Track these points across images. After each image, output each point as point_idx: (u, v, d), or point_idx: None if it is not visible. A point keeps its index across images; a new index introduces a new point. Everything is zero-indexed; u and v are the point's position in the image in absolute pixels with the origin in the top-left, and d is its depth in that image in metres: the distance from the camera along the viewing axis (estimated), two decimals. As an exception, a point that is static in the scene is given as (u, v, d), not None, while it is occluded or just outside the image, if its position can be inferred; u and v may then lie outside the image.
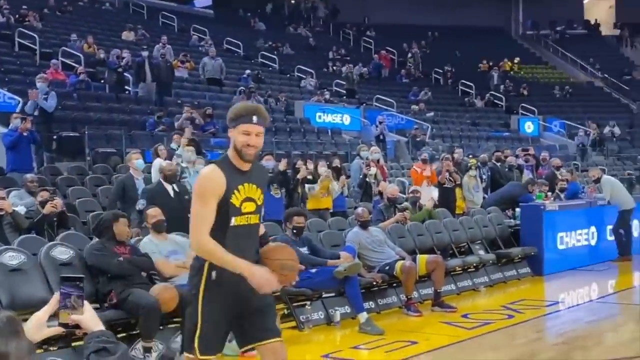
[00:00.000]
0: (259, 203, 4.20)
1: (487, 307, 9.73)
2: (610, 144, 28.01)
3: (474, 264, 11.20)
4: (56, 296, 2.27)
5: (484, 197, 14.13)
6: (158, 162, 11.77)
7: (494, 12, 38.82)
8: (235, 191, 3.98)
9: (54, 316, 2.28)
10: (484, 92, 31.52)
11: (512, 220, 12.73)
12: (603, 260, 13.30)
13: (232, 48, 28.81)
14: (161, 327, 6.83)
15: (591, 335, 8.45)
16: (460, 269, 10.83)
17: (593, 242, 13.51)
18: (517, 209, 12.83)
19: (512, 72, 35.05)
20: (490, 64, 34.45)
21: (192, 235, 4.11)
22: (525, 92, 32.40)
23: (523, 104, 30.38)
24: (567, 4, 40.19)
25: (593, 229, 13.52)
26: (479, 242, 11.86)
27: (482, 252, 11.59)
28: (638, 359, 6.90)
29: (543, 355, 7.46)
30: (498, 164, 17.11)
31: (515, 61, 35.64)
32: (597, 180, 14.51)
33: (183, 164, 11.62)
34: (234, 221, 4.02)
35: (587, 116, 30.14)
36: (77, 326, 2.27)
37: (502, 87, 32.44)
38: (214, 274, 4.01)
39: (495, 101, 31.35)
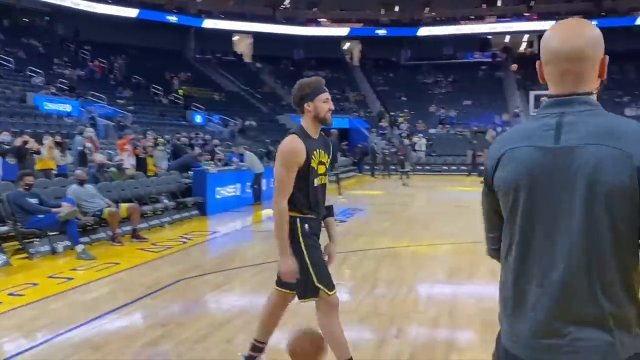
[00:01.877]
0: (327, 166, 3.55)
1: (169, 237, 9.65)
2: (249, 131, 29.25)
3: (161, 209, 11.10)
4: None
5: (168, 164, 14.01)
6: None
7: (175, 39, 38.16)
8: (312, 156, 3.36)
9: None
10: (168, 94, 31.14)
11: (187, 179, 12.74)
12: (245, 205, 13.83)
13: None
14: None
15: (238, 248, 8.78)
16: (151, 212, 10.66)
17: (238, 193, 13.97)
18: (190, 172, 12.88)
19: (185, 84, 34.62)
20: (172, 75, 33.95)
21: (276, 198, 3.40)
22: (196, 95, 32.53)
23: (194, 103, 30.50)
24: (223, 39, 40.73)
25: (238, 185, 13.98)
26: (164, 194, 11.78)
27: (166, 201, 11.53)
28: (262, 265, 7.27)
29: (209, 264, 7.59)
30: (178, 142, 17.11)
31: (188, 74, 35.36)
32: (242, 154, 15.11)
33: None
34: (315, 182, 3.43)
35: (235, 113, 31.07)
36: None
37: (179, 91, 32.27)
38: (306, 226, 3.42)
39: (177, 100, 31.09)
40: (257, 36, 41.62)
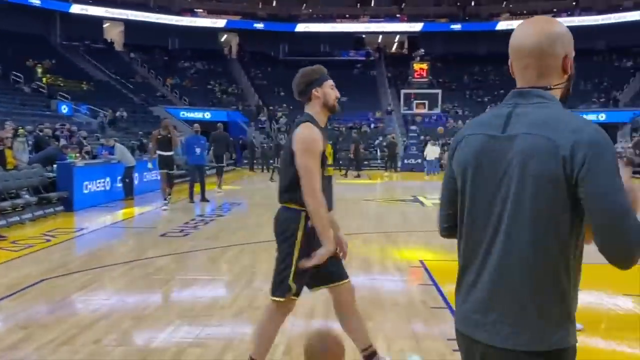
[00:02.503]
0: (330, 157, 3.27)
1: (31, 235, 9.01)
2: (120, 123, 28.03)
3: (21, 205, 10.36)
4: None
5: (29, 157, 13.09)
6: None
7: (39, 24, 35.61)
8: (325, 147, 3.18)
9: None
10: (30, 82, 29.01)
11: (51, 173, 11.96)
12: (115, 199, 13.25)
13: None
14: None
15: (107, 246, 8.37)
16: (10, 208, 9.93)
17: (108, 188, 13.35)
18: (55, 165, 12.12)
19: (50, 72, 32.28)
20: (35, 62, 31.62)
21: (309, 186, 3.10)
22: (62, 84, 30.56)
23: (60, 92, 28.67)
24: (92, 25, 38.67)
25: (108, 179, 13.35)
26: (25, 188, 10.98)
27: (27, 196, 10.75)
28: (133, 262, 7.02)
29: (75, 263, 7.17)
30: (41, 134, 16.03)
31: (53, 62, 33.08)
32: (113, 146, 14.43)
33: None
34: (325, 172, 3.24)
35: (105, 104, 29.54)
36: None
37: (43, 79, 30.14)
38: (309, 222, 3.17)
39: (40, 89, 29.04)
40: (129, 24, 39.96)
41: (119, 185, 13.75)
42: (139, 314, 5.00)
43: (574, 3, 40.40)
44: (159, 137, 12.21)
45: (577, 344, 1.58)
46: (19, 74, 29.03)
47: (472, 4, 42.30)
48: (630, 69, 36.83)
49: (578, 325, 4.43)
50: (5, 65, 29.18)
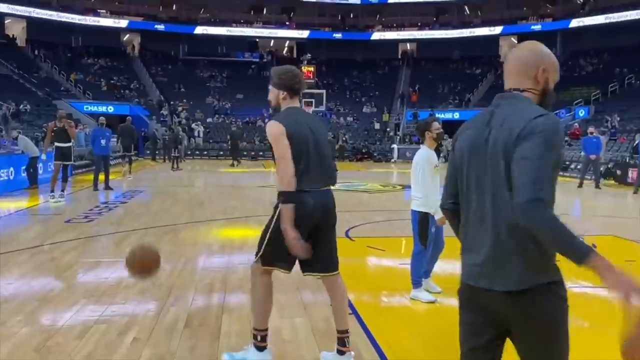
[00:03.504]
0: None
1: None
2: (24, 115, 25.94)
3: None
4: None
5: None
6: None
7: None
8: None
9: None
10: None
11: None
12: (19, 188, 12.25)
13: None
14: None
15: (11, 232, 7.69)
16: None
17: (12, 177, 12.33)
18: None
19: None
20: None
21: (285, 173, 3.04)
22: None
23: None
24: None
25: (12, 169, 12.33)
26: None
27: None
28: (38, 247, 6.56)
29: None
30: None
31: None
32: (16, 138, 13.33)
33: None
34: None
35: (8, 97, 27.04)
36: None
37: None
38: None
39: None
40: (32, 21, 36.84)
41: (23, 175, 12.73)
42: (44, 295, 4.68)
43: (434, 19, 42.40)
44: (55, 128, 11.00)
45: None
46: None
47: (351, 15, 43.16)
48: (479, 75, 39.32)
49: (437, 288, 4.60)
50: None
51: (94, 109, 30.23)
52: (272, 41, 44.22)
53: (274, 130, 3.09)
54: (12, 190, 11.98)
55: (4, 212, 9.59)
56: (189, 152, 28.13)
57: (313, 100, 29.69)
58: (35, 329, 3.90)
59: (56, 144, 11.01)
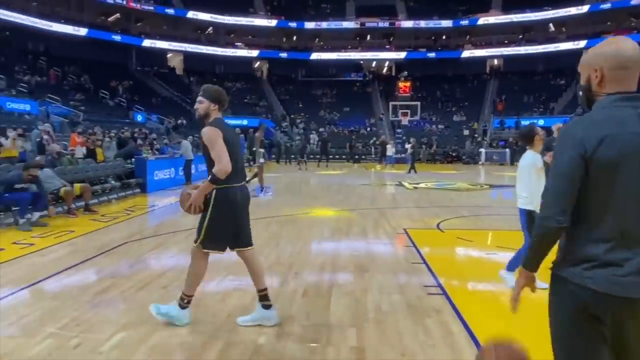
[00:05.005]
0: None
1: (116, 210, 9.10)
2: (181, 128, 28.03)
3: (109, 188, 10.43)
4: None
5: (116, 153, 13.15)
6: None
7: (120, 54, 35.59)
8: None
9: None
10: (114, 98, 29.17)
11: (130, 165, 12.04)
12: (177, 185, 13.22)
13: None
14: None
15: (171, 218, 8.41)
16: (100, 190, 10.04)
17: (172, 176, 13.42)
18: (133, 159, 12.18)
19: (128, 90, 32.37)
20: (117, 82, 31.76)
21: (225, 165, 3.13)
22: (137, 99, 30.62)
23: (136, 105, 28.67)
24: (159, 56, 38.66)
25: (172, 169, 13.43)
26: (112, 176, 11.05)
27: (113, 182, 10.82)
28: (190, 230, 7.07)
29: (148, 231, 7.25)
30: (122, 136, 16.00)
31: (130, 82, 33.12)
32: (179, 143, 14.42)
33: None
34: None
35: (170, 113, 29.50)
36: None
37: (124, 95, 30.27)
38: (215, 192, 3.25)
39: (121, 103, 29.18)
40: (187, 54, 39.90)
41: (181, 174, 13.81)
42: (195, 267, 5.06)
43: (520, 37, 39.71)
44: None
45: None
46: (105, 92, 29.15)
47: (443, 37, 41.72)
48: (563, 85, 36.23)
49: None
50: (95, 86, 29.35)
51: (232, 122, 31.87)
52: (374, 62, 44.00)
53: (213, 133, 3.17)
54: (172, 186, 13.05)
55: (166, 203, 10.50)
56: (308, 158, 28.87)
57: (409, 111, 29.13)
58: (189, 292, 4.23)
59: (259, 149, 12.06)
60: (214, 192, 3.23)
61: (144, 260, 5.42)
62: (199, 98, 3.41)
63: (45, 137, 12.59)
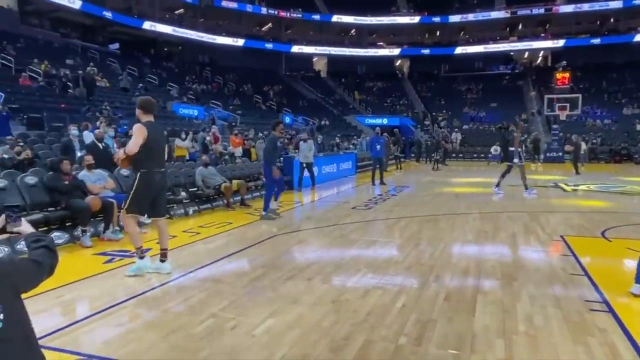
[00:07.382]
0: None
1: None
2: (324, 128, 29.15)
3: (261, 184, 10.96)
4: (2, 217, 1.93)
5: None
6: (87, 132, 10.65)
7: (271, 61, 38.50)
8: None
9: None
10: (266, 101, 31.61)
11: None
12: (322, 183, 13.76)
13: (134, 73, 26.34)
14: (92, 219, 6.24)
15: (314, 214, 8.79)
16: (254, 187, 10.78)
17: (317, 173, 13.88)
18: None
19: (278, 94, 34.88)
20: (269, 87, 34.44)
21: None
22: (285, 101, 32.79)
23: (285, 108, 30.74)
24: (305, 60, 40.80)
25: (316, 167, 13.83)
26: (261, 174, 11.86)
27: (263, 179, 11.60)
28: (333, 226, 7.24)
29: (295, 225, 7.69)
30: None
31: (280, 87, 35.61)
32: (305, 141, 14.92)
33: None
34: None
35: (314, 115, 30.97)
36: (17, 233, 1.94)
37: (274, 99, 32.65)
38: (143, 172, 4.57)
39: (272, 106, 31.50)
40: (331, 57, 41.40)
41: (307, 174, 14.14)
42: (337, 262, 5.22)
43: None
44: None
45: None
46: (258, 96, 31.80)
47: (611, 20, 36.49)
48: None
49: None
50: (251, 91, 32.19)
51: (372, 121, 32.27)
52: (526, 53, 40.46)
53: (139, 128, 4.43)
54: (317, 184, 13.53)
55: (309, 200, 10.98)
56: (451, 156, 27.83)
57: (567, 104, 26.09)
58: (331, 286, 4.39)
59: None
60: (139, 173, 4.48)
61: (291, 253, 5.76)
62: (136, 109, 4.64)
63: (208, 138, 14.19)
